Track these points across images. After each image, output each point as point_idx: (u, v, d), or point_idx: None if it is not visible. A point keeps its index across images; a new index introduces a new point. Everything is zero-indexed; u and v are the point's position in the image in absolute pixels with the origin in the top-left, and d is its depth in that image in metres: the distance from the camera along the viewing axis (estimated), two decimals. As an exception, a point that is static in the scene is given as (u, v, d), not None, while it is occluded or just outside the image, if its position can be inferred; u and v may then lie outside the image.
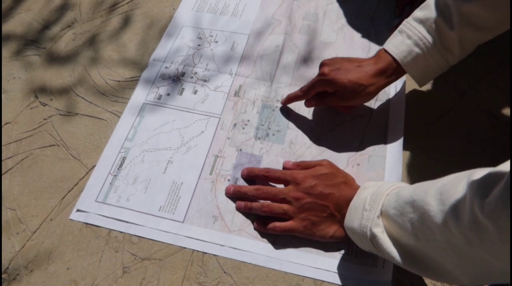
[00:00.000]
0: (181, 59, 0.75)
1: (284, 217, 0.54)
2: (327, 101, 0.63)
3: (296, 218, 0.53)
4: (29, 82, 0.74)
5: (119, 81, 0.73)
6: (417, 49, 0.56)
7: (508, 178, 0.30)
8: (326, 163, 0.57)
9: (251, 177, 0.60)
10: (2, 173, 0.63)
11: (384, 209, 0.45)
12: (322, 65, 0.62)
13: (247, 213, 0.58)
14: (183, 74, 0.73)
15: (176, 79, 0.72)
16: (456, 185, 0.36)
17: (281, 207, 0.54)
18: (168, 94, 0.70)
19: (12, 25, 0.83)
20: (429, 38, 0.56)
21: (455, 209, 0.35)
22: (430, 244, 0.39)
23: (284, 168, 0.61)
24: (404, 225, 0.41)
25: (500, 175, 0.32)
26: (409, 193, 0.42)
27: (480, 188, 0.33)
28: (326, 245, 0.54)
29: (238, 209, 0.58)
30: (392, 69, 0.58)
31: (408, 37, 0.57)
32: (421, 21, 0.56)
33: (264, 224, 0.55)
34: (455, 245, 0.36)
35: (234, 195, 0.59)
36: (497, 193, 0.31)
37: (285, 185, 0.56)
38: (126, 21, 0.83)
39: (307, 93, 0.63)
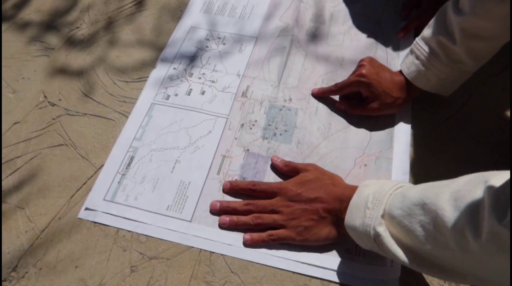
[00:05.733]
0: (189, 60, 0.75)
1: (274, 226, 0.54)
2: (357, 111, 0.65)
3: (289, 227, 0.53)
4: (38, 82, 0.75)
5: (127, 81, 0.74)
6: (425, 68, 0.59)
7: None
8: (312, 168, 0.57)
9: (235, 191, 0.59)
10: (11, 172, 0.63)
11: (387, 208, 0.44)
12: (361, 65, 0.63)
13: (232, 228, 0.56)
14: (191, 75, 0.73)
15: (184, 80, 0.72)
16: (471, 191, 0.35)
17: (271, 217, 0.54)
18: (176, 95, 0.71)
19: (21, 26, 0.84)
20: (435, 55, 0.58)
21: (473, 218, 0.34)
22: (440, 250, 0.38)
23: (272, 164, 0.61)
24: (411, 227, 0.40)
25: None
26: (418, 194, 0.41)
27: (499, 198, 0.32)
28: (334, 245, 0.54)
29: (222, 224, 0.56)
30: (410, 86, 0.62)
31: (416, 57, 0.60)
32: (427, 40, 0.59)
33: (257, 235, 0.55)
34: (469, 252, 0.35)
35: (221, 212, 0.57)
36: None
37: (272, 197, 0.56)
38: (134, 23, 0.83)
39: (341, 90, 0.66)
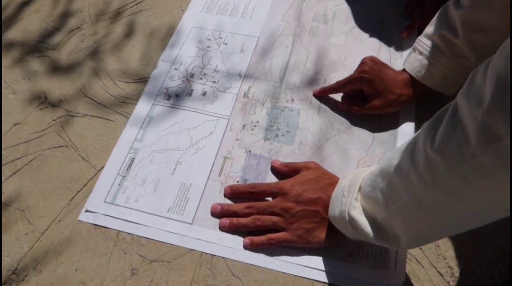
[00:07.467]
0: (190, 60, 0.75)
1: (275, 228, 0.54)
2: (360, 110, 0.64)
3: (289, 229, 0.53)
4: (39, 83, 0.74)
5: (128, 82, 0.73)
6: (428, 62, 0.59)
7: (451, 110, 0.32)
8: (312, 166, 0.57)
9: (236, 195, 0.58)
10: (11, 173, 0.63)
11: (361, 190, 0.46)
12: (363, 63, 0.63)
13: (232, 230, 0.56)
14: (192, 75, 0.73)
15: (185, 80, 0.72)
16: (413, 137, 0.38)
17: (271, 219, 0.54)
18: (177, 95, 0.70)
19: (22, 27, 0.83)
20: (438, 50, 0.58)
21: (411, 156, 0.36)
22: (397, 205, 0.39)
23: (272, 167, 0.61)
24: (376, 197, 0.42)
25: (445, 110, 0.33)
26: (379, 165, 0.43)
27: (431, 128, 0.34)
28: (336, 248, 0.54)
29: (222, 227, 0.56)
30: (415, 83, 0.62)
31: (420, 53, 0.60)
32: (430, 36, 0.60)
33: (257, 238, 0.54)
34: (415, 195, 0.36)
35: (222, 215, 0.57)
36: (442, 127, 0.32)
37: (273, 198, 0.56)
38: (134, 23, 0.83)
39: (343, 87, 0.65)
